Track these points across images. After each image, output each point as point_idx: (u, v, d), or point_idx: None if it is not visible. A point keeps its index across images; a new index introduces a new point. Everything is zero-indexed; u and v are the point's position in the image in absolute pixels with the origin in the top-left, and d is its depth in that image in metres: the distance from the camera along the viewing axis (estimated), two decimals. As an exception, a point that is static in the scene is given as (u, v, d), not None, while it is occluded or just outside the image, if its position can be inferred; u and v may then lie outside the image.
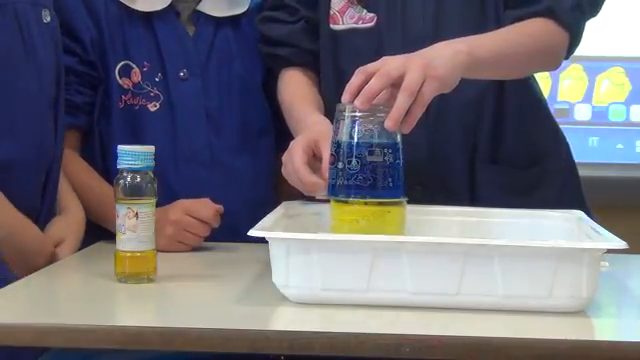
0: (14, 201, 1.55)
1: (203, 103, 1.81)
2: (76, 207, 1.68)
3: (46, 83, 1.61)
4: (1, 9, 1.52)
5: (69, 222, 1.65)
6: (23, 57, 1.56)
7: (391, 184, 1.40)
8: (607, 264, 1.32)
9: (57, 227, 1.63)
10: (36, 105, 1.59)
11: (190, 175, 1.78)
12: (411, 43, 1.61)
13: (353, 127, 1.40)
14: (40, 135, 1.60)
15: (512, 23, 1.66)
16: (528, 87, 1.80)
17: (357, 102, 1.39)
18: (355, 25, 1.76)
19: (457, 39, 1.52)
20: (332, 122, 1.69)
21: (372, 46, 1.72)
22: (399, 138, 1.41)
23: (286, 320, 1.32)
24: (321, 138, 1.51)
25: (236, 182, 1.81)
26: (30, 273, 1.50)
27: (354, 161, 1.39)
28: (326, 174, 1.45)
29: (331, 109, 1.74)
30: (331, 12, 1.78)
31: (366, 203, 1.40)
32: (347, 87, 1.41)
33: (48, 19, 1.60)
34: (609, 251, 1.30)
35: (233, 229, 1.68)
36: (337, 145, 1.41)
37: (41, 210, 1.62)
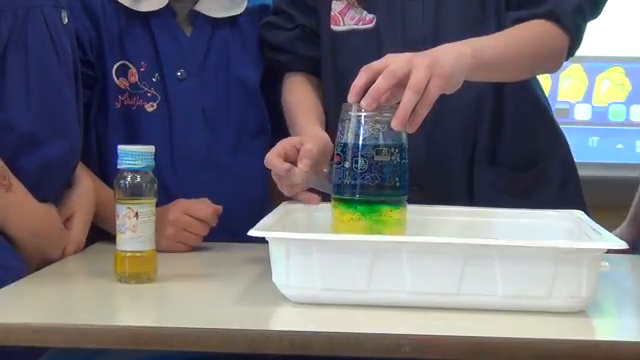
0: (46, 199, 1.57)
1: (200, 103, 1.81)
2: (85, 178, 1.68)
3: (73, 84, 1.63)
4: (30, 12, 1.53)
5: (78, 194, 1.65)
6: (56, 59, 1.57)
7: (398, 184, 1.41)
8: (607, 264, 1.32)
9: (66, 201, 1.64)
10: (72, 104, 1.62)
11: (186, 175, 1.78)
12: (411, 44, 1.61)
13: (359, 127, 1.40)
14: (76, 134, 1.62)
15: (513, 24, 1.66)
16: (527, 89, 1.80)
17: (363, 103, 1.39)
18: (355, 26, 1.77)
19: (460, 41, 1.52)
20: (328, 130, 1.72)
21: (371, 47, 1.72)
22: (405, 137, 1.41)
23: (286, 320, 1.32)
24: (308, 138, 1.54)
25: (232, 182, 1.81)
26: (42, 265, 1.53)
27: (360, 161, 1.39)
28: (301, 163, 1.47)
29: (330, 110, 1.75)
30: (332, 13, 1.78)
31: (367, 202, 1.40)
32: (352, 87, 1.41)
33: (66, 20, 1.61)
34: (609, 251, 1.30)
35: (229, 229, 1.69)
36: (343, 145, 1.41)
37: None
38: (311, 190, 1.56)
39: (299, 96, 1.80)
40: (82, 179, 1.66)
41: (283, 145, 1.53)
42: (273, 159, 1.51)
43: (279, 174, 1.51)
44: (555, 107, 3.02)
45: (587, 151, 3.09)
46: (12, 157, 1.51)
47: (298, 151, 1.51)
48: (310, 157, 1.49)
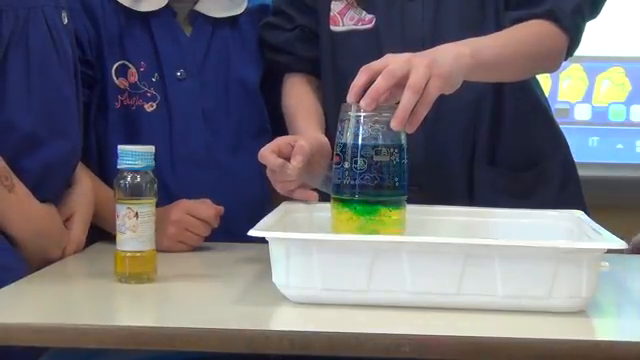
0: (47, 200, 1.57)
1: (200, 103, 1.81)
2: (84, 178, 1.68)
3: (74, 84, 1.64)
4: (31, 13, 1.53)
5: (77, 194, 1.65)
6: (57, 59, 1.57)
7: (397, 184, 1.41)
8: (607, 264, 1.32)
9: (66, 201, 1.64)
10: (73, 105, 1.62)
11: (187, 175, 1.79)
12: (410, 45, 1.62)
13: (358, 127, 1.40)
14: (77, 134, 1.63)
15: (512, 24, 1.66)
16: (527, 89, 1.80)
17: (363, 103, 1.39)
18: (354, 26, 1.77)
19: (459, 42, 1.52)
20: (327, 130, 1.72)
21: (371, 47, 1.72)
22: (404, 137, 1.42)
23: (286, 320, 1.32)
24: (302, 136, 1.56)
25: (232, 182, 1.81)
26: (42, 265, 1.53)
27: (360, 161, 1.39)
28: (294, 159, 1.49)
29: (330, 111, 1.75)
30: (331, 14, 1.78)
31: (366, 202, 1.40)
32: (352, 87, 1.41)
33: (66, 21, 1.62)
34: (609, 251, 1.30)
35: (229, 229, 1.69)
36: (343, 145, 1.41)
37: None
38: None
39: (298, 99, 1.81)
40: (81, 179, 1.67)
41: (277, 142, 1.55)
42: (267, 154, 1.53)
43: (272, 169, 1.53)
44: (555, 107, 3.02)
45: (587, 151, 3.09)
46: (14, 157, 1.51)
47: (293, 148, 1.52)
48: (302, 153, 1.51)
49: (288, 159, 1.52)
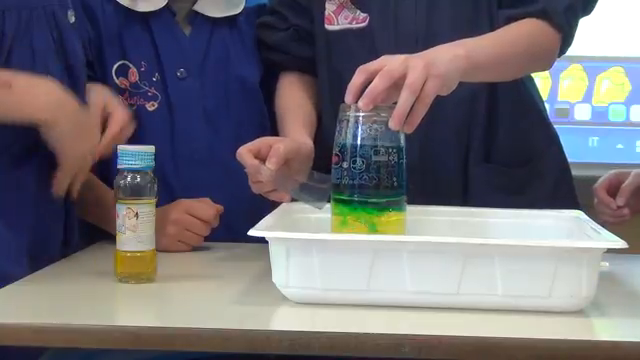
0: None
1: (201, 102, 1.81)
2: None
3: (81, 83, 1.63)
4: (34, 13, 1.53)
5: (96, 91, 1.65)
6: (60, 59, 1.57)
7: (395, 183, 1.41)
8: (607, 264, 1.32)
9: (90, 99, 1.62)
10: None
11: (189, 174, 1.79)
12: (403, 43, 1.62)
13: (357, 127, 1.41)
14: None
15: (505, 23, 1.67)
16: (520, 86, 1.80)
17: (361, 103, 1.39)
18: (349, 25, 1.77)
19: (454, 43, 1.52)
20: (320, 128, 1.72)
21: (365, 46, 1.73)
22: (402, 138, 1.42)
23: (286, 320, 1.32)
24: (282, 139, 1.57)
25: (234, 181, 1.80)
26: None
27: (359, 161, 1.39)
28: (268, 162, 1.50)
29: (326, 110, 1.75)
30: (326, 13, 1.79)
31: (367, 202, 1.40)
32: (349, 87, 1.42)
33: (73, 19, 1.61)
34: (609, 251, 1.30)
35: (231, 228, 1.70)
36: (341, 145, 1.41)
37: (67, 208, 1.63)
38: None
39: (289, 99, 1.82)
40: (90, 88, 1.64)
41: (258, 142, 1.56)
42: (244, 153, 1.54)
43: (247, 169, 1.54)
44: (555, 107, 3.02)
45: (587, 151, 3.09)
46: (17, 159, 1.50)
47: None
48: (277, 156, 1.51)
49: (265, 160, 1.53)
